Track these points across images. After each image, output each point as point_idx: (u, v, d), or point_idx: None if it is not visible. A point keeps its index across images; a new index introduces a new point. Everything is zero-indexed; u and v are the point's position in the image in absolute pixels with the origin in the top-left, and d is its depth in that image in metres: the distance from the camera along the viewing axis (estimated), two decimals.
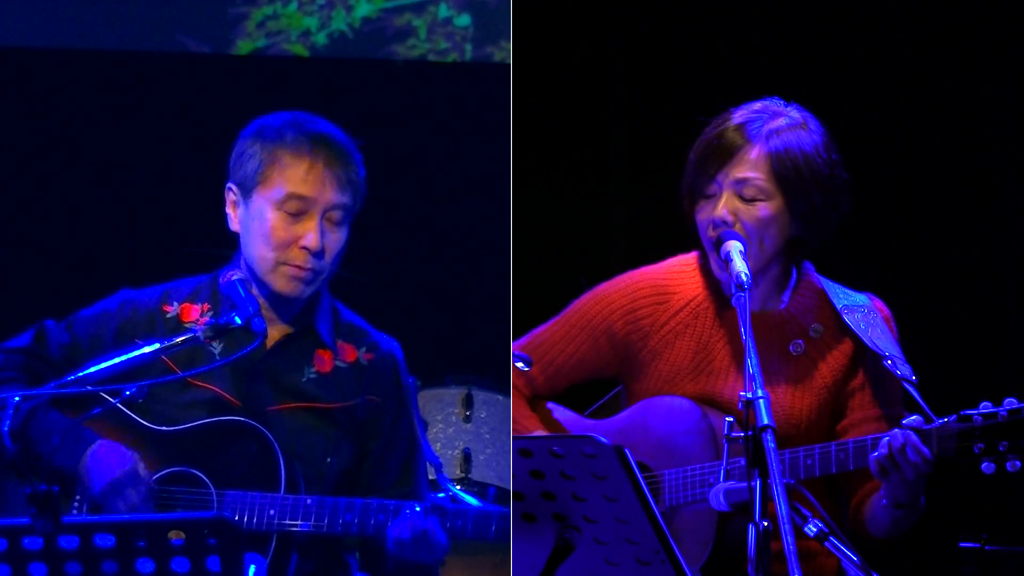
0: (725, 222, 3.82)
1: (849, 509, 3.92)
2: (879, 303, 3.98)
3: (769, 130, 3.85)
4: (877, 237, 5.20)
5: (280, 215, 3.88)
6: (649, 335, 4.00)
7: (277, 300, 3.94)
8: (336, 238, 3.91)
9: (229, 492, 3.81)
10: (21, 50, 6.20)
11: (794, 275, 3.97)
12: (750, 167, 3.84)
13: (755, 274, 3.75)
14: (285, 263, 3.88)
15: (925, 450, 3.66)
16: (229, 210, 3.96)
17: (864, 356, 3.91)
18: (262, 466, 3.81)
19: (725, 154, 3.84)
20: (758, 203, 3.84)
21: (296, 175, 3.87)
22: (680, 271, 4.03)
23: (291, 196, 3.87)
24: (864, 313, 3.94)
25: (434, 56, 6.32)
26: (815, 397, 3.92)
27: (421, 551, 3.76)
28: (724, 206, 3.83)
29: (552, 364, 4.04)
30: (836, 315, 3.93)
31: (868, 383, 3.92)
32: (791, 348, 3.94)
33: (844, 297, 3.96)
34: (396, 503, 3.79)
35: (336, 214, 3.89)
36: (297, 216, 3.87)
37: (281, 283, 3.90)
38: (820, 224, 3.88)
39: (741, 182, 3.84)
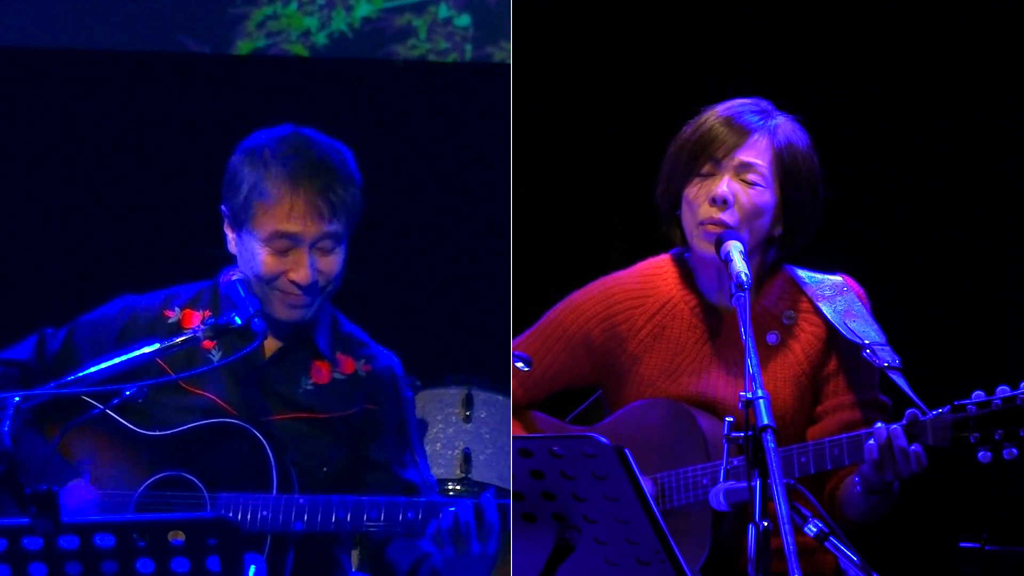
0: (725, 200, 3.83)
1: (824, 495, 3.91)
2: (850, 281, 3.99)
3: (774, 124, 3.89)
4: (865, 222, 5.20)
5: (268, 251, 3.85)
6: (627, 340, 4.00)
7: (278, 322, 3.93)
8: (330, 262, 3.87)
9: (222, 494, 3.81)
10: (21, 50, 6.19)
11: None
12: (757, 153, 3.87)
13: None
14: (278, 291, 3.87)
15: (913, 446, 3.67)
16: (227, 231, 3.94)
17: (837, 341, 3.92)
18: (254, 467, 3.81)
19: (733, 139, 3.86)
20: (758, 188, 3.86)
21: (280, 213, 3.82)
22: (653, 273, 4.04)
23: (277, 234, 3.83)
24: (834, 293, 3.95)
25: (434, 56, 6.32)
26: (795, 386, 3.93)
27: (462, 544, 3.70)
28: (725, 184, 3.84)
29: (530, 375, 4.05)
30: (807, 299, 3.95)
31: (842, 368, 3.93)
32: (769, 339, 3.95)
33: (814, 282, 3.97)
34: (387, 499, 3.78)
35: (326, 244, 3.85)
36: (285, 252, 3.85)
37: (278, 311, 3.89)
38: (803, 226, 3.91)
39: (746, 166, 3.86)
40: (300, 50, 6.33)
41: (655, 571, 3.39)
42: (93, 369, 3.72)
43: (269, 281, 3.86)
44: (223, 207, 3.92)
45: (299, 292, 3.85)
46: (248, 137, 3.94)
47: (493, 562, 3.74)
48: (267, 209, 3.83)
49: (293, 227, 3.83)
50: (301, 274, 3.84)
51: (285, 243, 3.84)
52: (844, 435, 3.77)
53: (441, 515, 3.70)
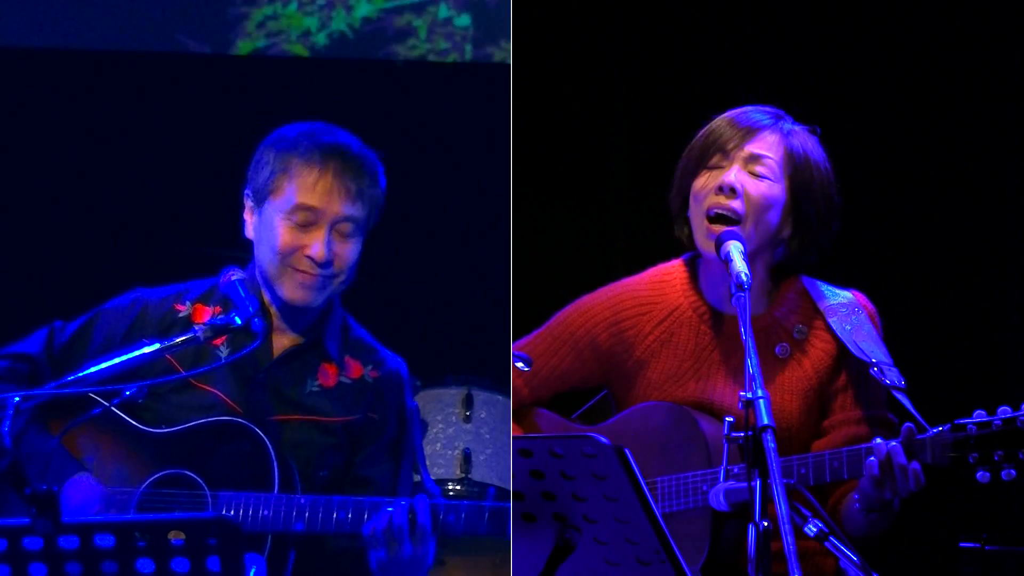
0: (732, 188, 3.83)
1: (826, 509, 3.91)
2: (863, 299, 3.99)
3: (788, 128, 3.89)
4: (870, 241, 5.20)
5: (288, 225, 3.87)
6: (634, 346, 4.00)
7: (288, 309, 3.93)
8: (347, 249, 3.90)
9: (223, 493, 3.81)
10: (21, 50, 6.20)
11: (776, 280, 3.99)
12: (768, 147, 3.87)
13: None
14: (291, 268, 3.88)
15: (912, 464, 3.67)
16: (246, 216, 3.96)
17: (848, 357, 3.92)
18: (256, 466, 3.81)
19: (742, 131, 3.86)
20: (767, 181, 3.86)
21: (304, 185, 3.87)
22: (662, 280, 4.04)
23: (299, 207, 3.87)
24: (848, 312, 3.94)
25: (434, 56, 6.32)
26: (803, 399, 3.92)
27: (394, 546, 3.74)
28: (733, 173, 3.84)
29: (536, 376, 4.05)
30: (819, 314, 3.94)
31: (851, 384, 3.93)
32: (777, 351, 3.94)
33: (828, 296, 3.97)
34: (390, 500, 3.79)
35: (346, 226, 3.89)
36: (305, 227, 3.87)
37: (289, 290, 3.89)
38: (816, 233, 3.90)
39: (755, 158, 3.86)
40: (300, 50, 6.33)
41: (655, 571, 3.39)
42: (94, 368, 3.72)
43: (285, 256, 3.87)
44: (246, 190, 3.95)
45: (314, 271, 3.86)
46: (273, 132, 3.98)
47: (426, 565, 3.79)
48: (292, 181, 3.87)
49: (315, 201, 3.86)
50: (317, 250, 3.86)
51: (305, 216, 3.86)
52: (844, 449, 3.76)
53: (378, 516, 3.74)
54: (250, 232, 3.96)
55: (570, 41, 5.48)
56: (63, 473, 3.85)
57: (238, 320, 3.81)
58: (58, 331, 4.01)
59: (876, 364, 3.83)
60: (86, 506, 3.83)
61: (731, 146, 3.87)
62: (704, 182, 3.88)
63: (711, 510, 3.59)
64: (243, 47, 6.32)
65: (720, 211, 3.84)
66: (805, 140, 3.91)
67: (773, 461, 3.22)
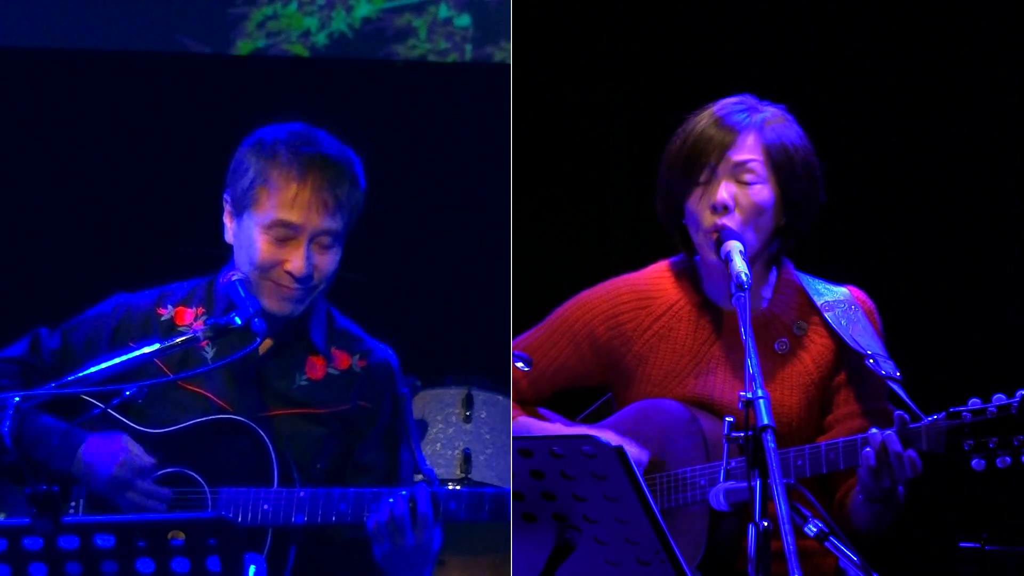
0: (725, 206, 3.84)
1: (833, 504, 3.93)
2: (860, 295, 4.00)
3: (759, 120, 3.89)
4: (866, 232, 5.21)
5: (267, 239, 3.86)
6: (632, 340, 4.01)
7: (268, 314, 3.92)
8: (326, 260, 3.88)
9: (223, 489, 3.81)
10: (21, 50, 6.19)
11: (774, 273, 3.99)
12: (748, 151, 3.87)
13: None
14: (271, 281, 3.87)
15: (908, 452, 3.68)
16: (226, 220, 3.94)
17: (848, 352, 3.93)
18: (255, 462, 3.81)
19: (723, 140, 3.86)
20: (756, 186, 3.86)
21: (284, 200, 3.84)
22: (661, 275, 4.05)
23: (278, 222, 3.84)
24: (844, 308, 3.96)
25: (434, 56, 6.32)
26: (803, 394, 3.94)
27: (397, 537, 3.74)
28: (724, 189, 3.85)
29: (536, 368, 4.05)
30: (816, 310, 3.96)
31: (852, 378, 3.94)
32: (776, 347, 3.95)
33: (824, 292, 3.98)
34: (390, 491, 3.79)
35: (325, 239, 3.87)
36: (284, 241, 3.85)
37: (269, 302, 3.88)
38: (807, 211, 3.91)
39: (739, 166, 3.87)
40: (300, 50, 6.33)
41: (655, 571, 3.39)
42: (93, 369, 3.72)
43: (264, 270, 3.86)
44: (225, 194, 3.93)
45: (293, 284, 3.86)
46: (258, 129, 3.95)
47: (431, 555, 3.78)
48: (271, 196, 3.85)
49: (295, 217, 3.84)
50: (297, 265, 3.84)
51: (285, 232, 3.85)
52: (840, 440, 3.78)
53: (379, 508, 3.73)
54: (230, 237, 3.94)
55: (570, 41, 5.48)
56: (73, 444, 3.83)
57: (238, 320, 3.81)
58: (45, 337, 4.00)
59: (872, 355, 3.85)
60: (113, 455, 3.81)
61: (715, 159, 3.87)
62: (698, 201, 3.89)
63: (709, 506, 3.59)
64: (243, 47, 6.32)
65: (717, 229, 3.84)
66: (779, 128, 3.91)
67: (773, 461, 3.22)
